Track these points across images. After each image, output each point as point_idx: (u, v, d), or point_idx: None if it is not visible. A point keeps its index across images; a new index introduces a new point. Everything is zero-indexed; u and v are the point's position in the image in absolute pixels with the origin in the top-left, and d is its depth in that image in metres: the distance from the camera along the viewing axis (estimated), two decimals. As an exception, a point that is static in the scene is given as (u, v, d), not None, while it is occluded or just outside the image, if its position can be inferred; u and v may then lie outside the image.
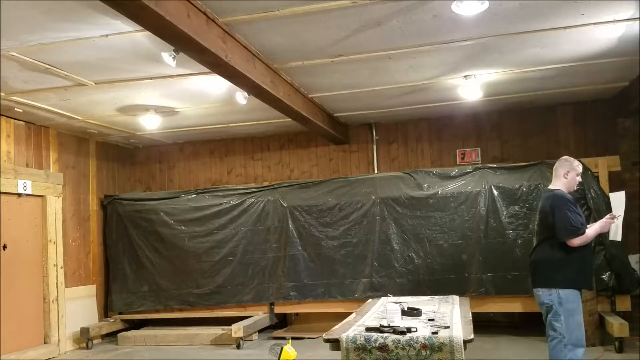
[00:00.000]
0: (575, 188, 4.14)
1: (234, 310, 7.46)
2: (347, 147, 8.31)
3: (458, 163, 7.81)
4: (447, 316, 4.16)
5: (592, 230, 3.90)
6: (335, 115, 7.52)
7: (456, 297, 5.30)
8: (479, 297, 6.49)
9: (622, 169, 6.77)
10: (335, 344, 3.63)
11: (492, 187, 6.65)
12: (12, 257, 6.38)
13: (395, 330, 3.50)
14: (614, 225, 3.99)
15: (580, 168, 4.11)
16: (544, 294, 3.91)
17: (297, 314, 7.70)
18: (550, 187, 4.14)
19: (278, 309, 7.44)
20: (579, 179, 4.10)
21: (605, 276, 6.04)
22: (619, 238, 4.07)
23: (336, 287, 7.10)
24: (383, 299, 5.43)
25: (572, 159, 4.14)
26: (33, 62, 4.78)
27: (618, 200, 4.08)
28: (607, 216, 4.01)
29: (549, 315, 3.89)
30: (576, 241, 3.82)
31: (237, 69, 4.49)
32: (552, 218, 3.91)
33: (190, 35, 3.70)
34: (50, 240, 6.92)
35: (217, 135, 8.53)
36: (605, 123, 7.31)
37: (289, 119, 6.67)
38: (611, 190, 6.30)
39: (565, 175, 4.04)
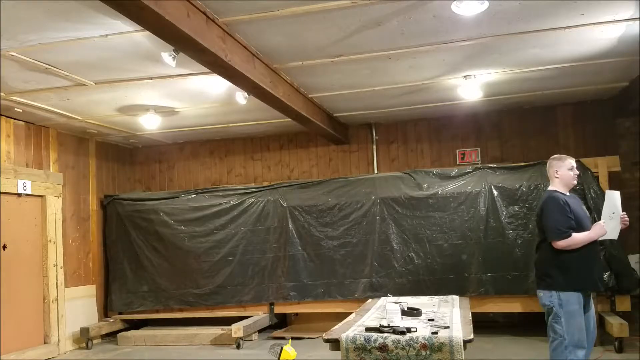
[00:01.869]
0: (575, 182, 4.02)
1: (234, 310, 7.46)
2: (347, 147, 8.31)
3: (458, 163, 7.81)
4: (447, 316, 4.16)
5: (583, 235, 3.79)
6: (335, 115, 7.51)
7: (456, 297, 5.30)
8: (478, 297, 6.49)
9: (622, 169, 6.77)
10: (335, 344, 3.63)
11: (492, 187, 6.65)
12: (12, 257, 6.38)
13: (395, 331, 3.49)
14: (611, 225, 3.89)
15: (570, 162, 3.99)
16: (545, 296, 3.87)
17: (297, 314, 7.70)
18: (549, 187, 4.10)
19: (278, 309, 7.44)
20: (573, 172, 3.98)
21: (605, 276, 6.04)
22: (614, 236, 3.97)
23: (336, 287, 7.10)
24: (383, 299, 5.43)
25: (559, 155, 4.06)
26: (33, 62, 4.78)
27: (612, 199, 3.97)
28: (601, 221, 3.90)
29: (549, 317, 3.86)
30: (561, 244, 3.76)
31: (237, 69, 4.49)
32: (542, 219, 3.89)
33: (190, 35, 3.71)
34: (50, 240, 6.92)
35: (217, 135, 8.53)
36: (605, 123, 7.32)
37: (289, 119, 6.67)
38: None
39: (556, 175, 3.98)
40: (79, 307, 7.45)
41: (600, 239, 3.91)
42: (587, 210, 4.11)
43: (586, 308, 3.88)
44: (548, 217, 3.84)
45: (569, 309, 3.76)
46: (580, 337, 3.77)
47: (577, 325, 3.77)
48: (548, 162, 4.08)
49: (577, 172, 4.05)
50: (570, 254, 3.80)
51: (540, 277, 3.97)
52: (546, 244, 3.91)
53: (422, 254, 6.78)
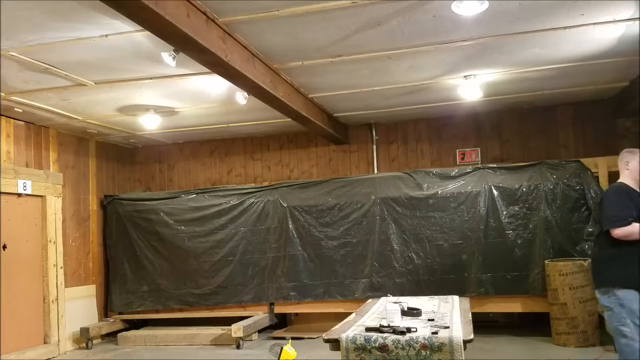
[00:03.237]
0: None
1: (234, 310, 7.46)
2: (347, 147, 8.30)
3: (458, 163, 7.81)
4: (447, 316, 4.16)
5: None
6: (335, 115, 7.51)
7: (456, 297, 5.29)
8: (478, 297, 6.49)
9: (622, 169, 6.76)
10: (335, 344, 3.63)
11: (492, 187, 6.66)
12: (12, 257, 6.38)
13: (395, 331, 3.49)
14: None
15: None
16: (602, 296, 3.61)
17: (297, 314, 7.70)
18: (617, 181, 3.89)
19: (278, 309, 7.44)
20: None
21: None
22: None
23: (336, 287, 7.10)
24: (383, 299, 5.42)
25: (634, 149, 3.86)
26: (33, 62, 4.77)
27: None
28: None
29: (613, 323, 3.53)
30: (618, 232, 3.50)
31: (237, 69, 4.49)
32: (600, 208, 3.71)
33: (190, 35, 3.70)
34: (50, 240, 6.92)
35: (217, 135, 8.53)
36: (605, 123, 7.32)
37: (289, 119, 6.67)
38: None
39: (627, 167, 3.78)
40: (79, 307, 7.45)
41: None
42: None
43: None
44: (606, 205, 3.63)
45: (633, 308, 3.44)
46: None
47: None
48: (620, 155, 3.90)
49: None
50: (628, 248, 3.51)
51: (595, 275, 3.72)
52: (603, 236, 3.68)
53: (422, 254, 6.79)
